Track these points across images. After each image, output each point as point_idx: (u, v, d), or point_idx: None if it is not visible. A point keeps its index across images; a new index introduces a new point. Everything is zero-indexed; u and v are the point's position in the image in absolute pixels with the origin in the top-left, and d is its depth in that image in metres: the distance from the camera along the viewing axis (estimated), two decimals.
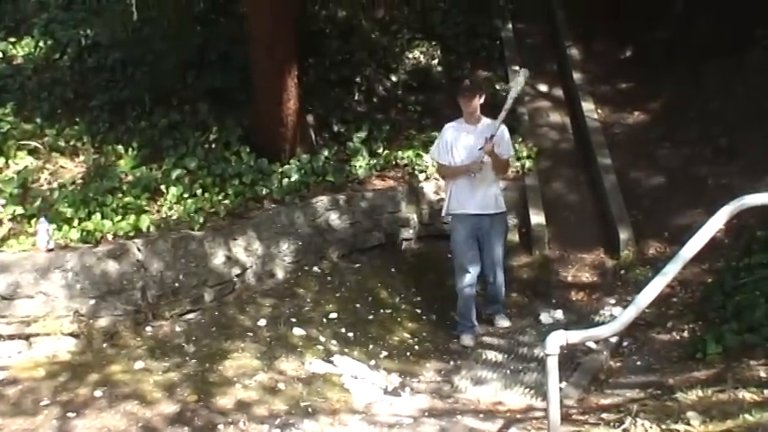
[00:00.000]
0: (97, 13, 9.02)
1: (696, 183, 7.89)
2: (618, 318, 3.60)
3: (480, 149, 6.02)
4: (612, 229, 7.49)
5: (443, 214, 6.47)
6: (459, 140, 6.20)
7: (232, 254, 6.20)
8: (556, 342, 3.41)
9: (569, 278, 7.26)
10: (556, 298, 6.98)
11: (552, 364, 3.43)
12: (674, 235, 7.34)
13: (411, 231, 7.61)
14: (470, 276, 6.22)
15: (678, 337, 5.96)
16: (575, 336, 3.55)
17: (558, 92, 9.59)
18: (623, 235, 7.33)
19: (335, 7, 8.58)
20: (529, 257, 7.51)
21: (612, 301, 6.75)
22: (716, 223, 3.60)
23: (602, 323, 6.18)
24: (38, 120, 7.61)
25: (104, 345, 5.44)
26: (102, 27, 7.89)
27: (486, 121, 6.26)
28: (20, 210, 6.22)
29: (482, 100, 6.24)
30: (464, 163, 6.14)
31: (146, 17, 8.03)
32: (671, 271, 3.59)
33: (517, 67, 6.45)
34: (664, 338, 6.02)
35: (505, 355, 5.90)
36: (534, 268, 7.38)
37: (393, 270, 7.16)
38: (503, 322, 6.56)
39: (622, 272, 7.16)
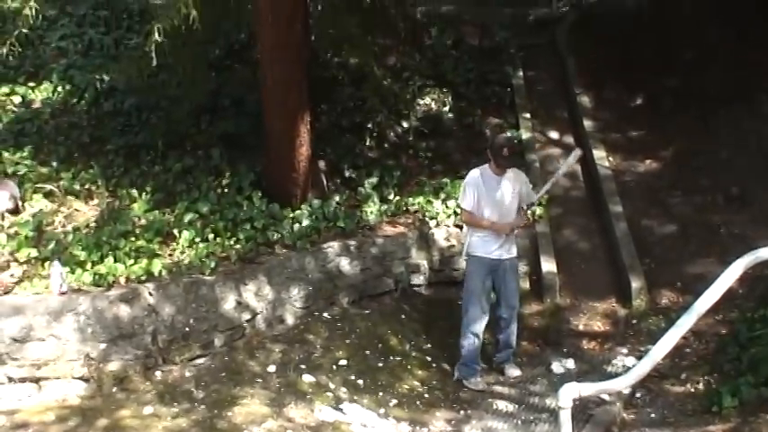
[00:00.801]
0: (115, 59, 9.17)
1: (708, 231, 7.88)
2: (632, 370, 3.58)
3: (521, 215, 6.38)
4: (624, 277, 7.46)
5: (464, 254, 6.46)
6: (489, 192, 6.26)
7: (243, 299, 6.21)
8: (569, 395, 3.39)
9: (581, 327, 7.21)
10: (567, 347, 6.93)
11: (565, 418, 3.41)
12: (686, 284, 7.31)
13: (422, 278, 7.60)
14: (484, 321, 6.28)
15: (693, 390, 5.90)
16: (588, 388, 3.52)
17: (569, 139, 9.63)
18: (635, 284, 7.30)
19: (347, 54, 8.66)
20: (540, 305, 7.48)
21: (625, 351, 6.69)
22: (730, 276, 3.59)
23: (615, 374, 6.18)
24: (54, 163, 7.69)
25: (114, 389, 5.45)
26: (119, 73, 7.98)
27: (511, 170, 6.37)
28: (34, 252, 6.26)
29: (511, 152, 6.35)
30: (491, 219, 6.24)
31: (161, 63, 8.14)
32: (685, 324, 3.58)
33: (578, 150, 6.58)
34: (678, 390, 5.96)
35: (516, 405, 5.86)
36: (545, 316, 7.35)
37: (403, 317, 7.14)
38: (513, 371, 6.54)
39: (635, 321, 7.12)
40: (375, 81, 8.57)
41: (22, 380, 5.36)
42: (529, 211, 6.48)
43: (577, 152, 6.54)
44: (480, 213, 6.25)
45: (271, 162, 7.49)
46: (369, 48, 8.68)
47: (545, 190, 6.39)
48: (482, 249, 6.28)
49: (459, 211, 6.89)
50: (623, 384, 3.60)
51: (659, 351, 3.54)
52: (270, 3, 6.60)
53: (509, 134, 6.79)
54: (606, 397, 5.76)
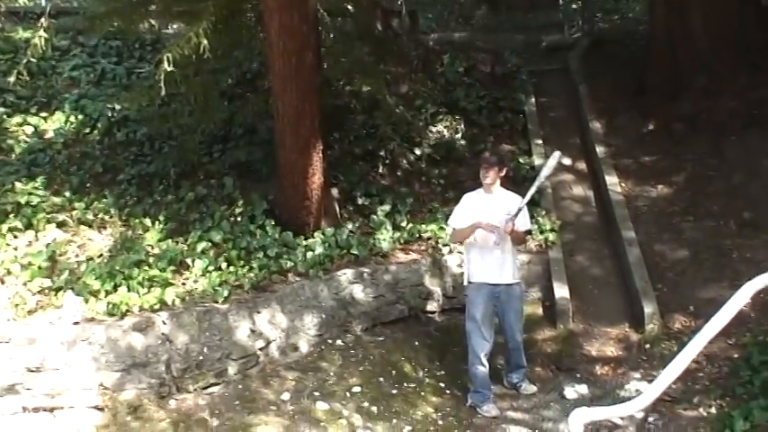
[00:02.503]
0: (127, 89, 9.26)
1: (721, 256, 7.84)
2: (641, 395, 3.57)
3: (507, 220, 6.14)
4: (637, 302, 7.42)
5: (465, 282, 6.48)
6: (476, 209, 6.32)
7: (256, 327, 6.22)
8: (579, 419, 3.38)
9: (594, 352, 7.17)
10: (580, 372, 6.89)
11: None
12: (699, 308, 7.27)
13: (435, 304, 7.60)
14: (487, 347, 6.27)
15: (705, 414, 5.86)
16: (598, 413, 3.51)
17: (582, 165, 9.65)
18: (648, 309, 7.26)
19: (359, 82, 8.72)
20: (553, 331, 7.45)
21: (638, 376, 6.65)
22: (739, 300, 3.59)
23: (628, 399, 6.14)
24: (67, 193, 7.73)
25: (129, 418, 5.44)
26: (129, 102, 8.05)
27: (504, 193, 6.43)
28: (47, 282, 6.29)
29: (502, 173, 6.44)
30: (477, 237, 6.27)
31: (174, 92, 8.23)
32: (694, 347, 3.57)
33: (558, 153, 6.56)
34: (690, 414, 5.91)
35: (530, 431, 5.83)
36: (558, 342, 7.31)
37: (417, 343, 7.12)
38: (529, 388, 6.60)
39: (647, 346, 7.07)
40: (387, 109, 8.61)
41: (36, 410, 5.37)
42: (522, 226, 6.40)
43: (556, 154, 6.53)
44: (468, 223, 6.32)
45: (283, 190, 7.52)
46: (380, 76, 8.73)
47: (529, 195, 6.34)
48: (479, 274, 6.31)
49: None
50: (633, 409, 3.59)
51: (669, 375, 3.53)
52: (281, 33, 6.66)
53: (487, 155, 6.76)
54: (619, 421, 5.74)
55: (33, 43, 6.38)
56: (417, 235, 7.94)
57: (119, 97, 8.71)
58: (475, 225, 6.24)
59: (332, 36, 9.03)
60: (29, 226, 7.15)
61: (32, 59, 9.55)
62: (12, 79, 6.61)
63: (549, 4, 14.54)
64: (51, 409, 5.39)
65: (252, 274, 6.63)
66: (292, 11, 6.67)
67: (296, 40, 6.69)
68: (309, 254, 7.10)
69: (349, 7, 8.98)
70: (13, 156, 8.55)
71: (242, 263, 6.77)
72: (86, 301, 6.00)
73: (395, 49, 9.87)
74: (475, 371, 6.28)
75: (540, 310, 7.75)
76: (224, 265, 6.67)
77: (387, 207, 8.18)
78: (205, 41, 6.09)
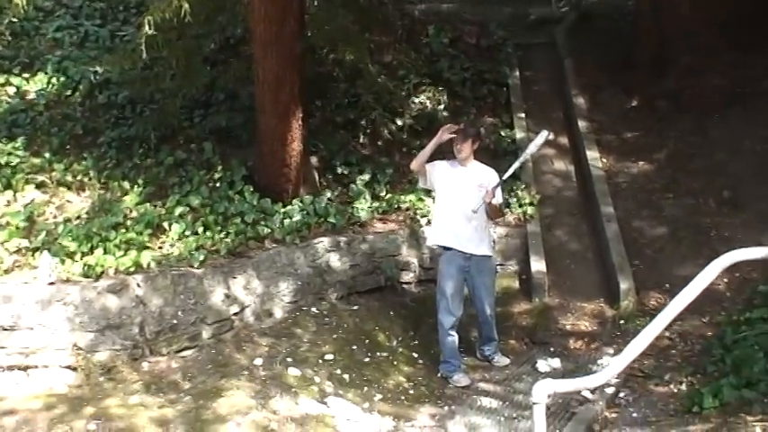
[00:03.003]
0: (110, 51, 9.19)
1: (699, 234, 7.91)
2: (606, 368, 3.63)
3: (492, 188, 6.21)
4: (613, 278, 7.49)
5: (430, 243, 6.46)
6: (449, 179, 6.36)
7: (231, 292, 6.25)
8: (543, 391, 3.43)
9: (568, 326, 7.24)
10: (554, 346, 6.94)
11: (539, 413, 3.44)
12: (675, 286, 7.23)
13: (411, 275, 7.65)
14: (455, 319, 6.32)
15: (676, 390, 5.92)
16: (562, 385, 3.56)
17: (564, 140, 9.66)
18: (624, 285, 7.33)
19: (342, 51, 8.67)
20: (528, 304, 7.52)
21: (611, 351, 6.71)
22: (706, 277, 3.64)
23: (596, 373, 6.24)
24: (47, 154, 7.69)
25: (101, 378, 5.51)
26: (111, 65, 8.00)
27: (479, 166, 6.45)
28: (24, 242, 6.30)
29: (475, 146, 6.43)
30: (444, 202, 6.36)
31: (156, 56, 8.18)
32: (660, 323, 3.62)
33: (545, 132, 6.57)
34: (661, 390, 5.98)
35: (500, 402, 5.89)
36: (534, 315, 7.38)
37: (391, 313, 7.18)
38: (502, 360, 6.67)
39: (622, 322, 7.14)
40: (369, 78, 8.60)
41: (11, 368, 5.43)
42: (498, 199, 6.42)
43: (544, 133, 6.54)
44: (439, 192, 6.41)
45: (262, 157, 7.52)
46: (363, 44, 8.68)
47: (512, 170, 6.36)
48: (448, 239, 6.30)
49: None
50: (597, 382, 3.65)
51: (634, 350, 3.58)
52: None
53: (462, 125, 6.73)
54: (589, 396, 5.80)
55: (15, 3, 6.29)
56: (396, 205, 7.95)
57: (101, 60, 8.64)
58: (443, 130, 6.34)
59: (315, 3, 8.92)
60: (8, 186, 7.14)
61: (14, 20, 9.58)
62: None
63: None
64: (25, 368, 5.45)
65: (228, 240, 6.65)
66: None
67: (277, 5, 6.66)
68: (287, 221, 7.11)
69: None
70: None
71: (219, 228, 6.78)
72: (63, 262, 6.01)
73: (379, 17, 9.79)
74: (444, 341, 6.33)
75: (516, 284, 7.82)
76: (201, 229, 6.69)
77: (366, 177, 8.18)
78: (186, 5, 6.02)
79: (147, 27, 5.95)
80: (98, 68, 8.61)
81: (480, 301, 6.43)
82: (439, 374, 6.42)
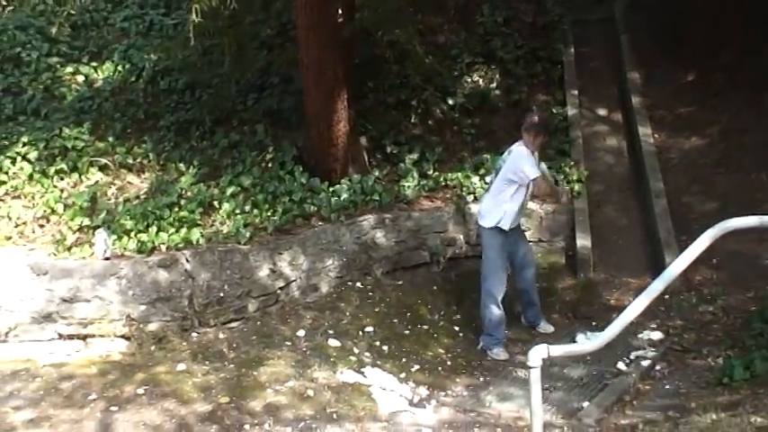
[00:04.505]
0: (171, 40, 9.59)
1: (749, 209, 7.66)
2: (600, 335, 3.74)
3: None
4: (660, 253, 7.48)
5: (493, 225, 6.52)
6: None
7: (276, 267, 6.53)
8: (538, 355, 3.58)
9: (612, 301, 7.26)
10: (597, 321, 6.97)
11: (535, 376, 3.59)
12: (722, 260, 7.31)
13: (457, 251, 7.79)
14: (503, 290, 6.51)
15: (713, 363, 5.92)
16: (557, 349, 3.70)
17: (617, 116, 9.61)
18: (670, 259, 7.27)
19: (389, 32, 8.83)
20: (573, 280, 7.58)
21: (653, 326, 6.73)
22: (699, 246, 3.73)
23: (639, 347, 6.31)
24: (110, 138, 8.16)
25: (153, 347, 5.86)
26: (165, 52, 8.38)
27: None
28: (87, 221, 6.74)
29: None
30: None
31: (213, 43, 8.53)
32: (656, 288, 3.73)
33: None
34: (698, 364, 6.00)
35: None
36: (578, 291, 7.44)
37: (435, 288, 7.36)
38: (547, 327, 6.88)
39: (666, 297, 7.11)
40: (417, 59, 8.73)
41: (71, 336, 5.86)
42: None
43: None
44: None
45: (311, 138, 7.78)
46: (410, 26, 8.81)
47: None
48: (511, 221, 6.49)
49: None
50: (591, 347, 3.77)
51: (628, 315, 3.70)
52: None
53: (536, 119, 6.80)
54: (623, 368, 5.89)
55: None
56: (443, 183, 8.09)
57: (155, 48, 9.05)
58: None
59: None
60: (74, 169, 7.63)
61: (86, 11, 10.09)
62: (54, 30, 6.95)
63: None
64: (84, 337, 5.86)
65: (276, 218, 6.93)
66: None
67: None
68: (334, 199, 7.35)
69: None
70: (65, 103, 9.01)
71: (267, 206, 7.08)
72: (120, 239, 6.41)
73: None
74: (489, 314, 6.47)
75: (562, 260, 7.88)
76: (249, 207, 6.99)
77: (415, 155, 8.34)
78: None
79: (193, 15, 6.22)
80: (152, 56, 9.00)
81: (525, 262, 6.76)
82: (479, 347, 6.58)
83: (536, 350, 3.59)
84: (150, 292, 5.92)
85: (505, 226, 6.48)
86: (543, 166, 6.73)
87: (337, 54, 7.25)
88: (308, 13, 6.93)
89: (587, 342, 3.78)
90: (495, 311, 6.45)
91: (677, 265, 3.72)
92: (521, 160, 6.42)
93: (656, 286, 3.75)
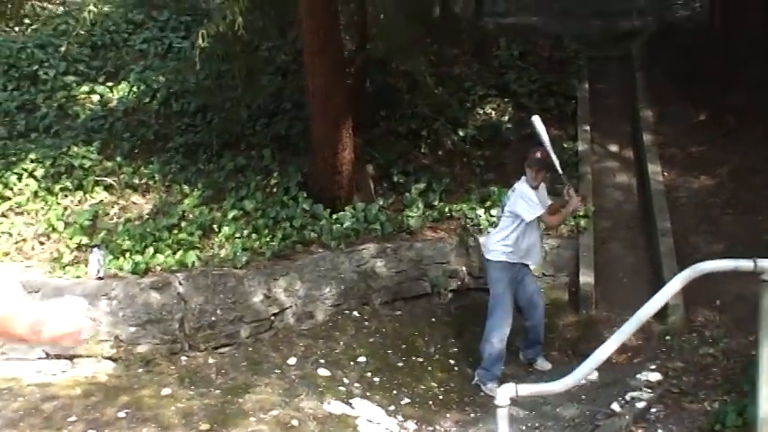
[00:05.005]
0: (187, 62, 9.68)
1: (756, 251, 7.50)
2: (569, 375, 3.65)
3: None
4: None
5: (498, 259, 6.48)
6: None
7: (271, 293, 6.51)
8: (506, 394, 3.50)
9: None
10: None
11: (502, 416, 3.51)
12: (726, 303, 7.16)
13: (459, 283, 7.71)
14: (508, 326, 6.41)
15: (709, 408, 5.79)
16: (525, 389, 3.62)
17: (629, 153, 9.53)
18: (673, 300, 7.19)
19: (399, 63, 8.85)
20: (575, 317, 7.47)
21: (653, 367, 6.59)
22: (671, 289, 3.66)
23: (637, 388, 6.18)
24: (118, 158, 8.23)
25: (140, 370, 5.85)
26: (174, 74, 8.46)
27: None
28: (86, 240, 6.77)
29: None
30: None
31: (228, 68, 8.59)
32: (627, 331, 3.66)
33: (535, 117, 6.73)
34: (694, 407, 5.86)
35: (527, 412, 5.89)
36: (579, 328, 7.33)
37: (434, 320, 7.27)
38: (545, 365, 6.76)
39: (668, 338, 7.01)
40: (426, 90, 8.73)
41: (58, 356, 5.83)
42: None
43: (534, 118, 6.65)
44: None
45: (315, 164, 7.79)
46: (422, 56, 8.83)
47: (558, 165, 6.49)
48: (519, 255, 6.43)
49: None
50: (559, 387, 3.66)
51: (598, 357, 3.62)
52: (308, 10, 6.87)
53: (538, 155, 6.74)
54: (617, 409, 5.77)
55: (83, 17, 6.76)
56: (448, 214, 8.02)
57: (168, 70, 9.13)
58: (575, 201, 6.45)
59: (381, 17, 9.14)
60: (79, 187, 7.69)
61: (107, 32, 10.23)
62: (63, 48, 7.03)
63: None
64: (71, 357, 5.84)
65: (274, 243, 6.91)
66: None
67: (321, 18, 6.89)
68: (336, 227, 7.32)
69: None
70: (78, 121, 9.10)
71: (267, 231, 7.07)
72: (116, 258, 6.42)
73: (451, 32, 9.93)
74: (491, 349, 6.38)
75: (565, 296, 7.76)
76: (248, 232, 6.98)
77: (421, 185, 8.28)
78: (240, 19, 6.33)
79: (200, 39, 6.29)
80: (161, 78, 9.07)
81: (532, 302, 6.65)
82: (474, 381, 6.49)
83: (504, 389, 3.51)
84: (141, 314, 5.92)
85: (511, 259, 6.42)
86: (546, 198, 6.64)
87: (344, 81, 7.28)
88: (316, 37, 6.97)
89: (555, 382, 3.67)
90: (497, 347, 6.37)
91: (648, 308, 3.65)
92: (520, 200, 6.39)
93: (627, 328, 3.69)
